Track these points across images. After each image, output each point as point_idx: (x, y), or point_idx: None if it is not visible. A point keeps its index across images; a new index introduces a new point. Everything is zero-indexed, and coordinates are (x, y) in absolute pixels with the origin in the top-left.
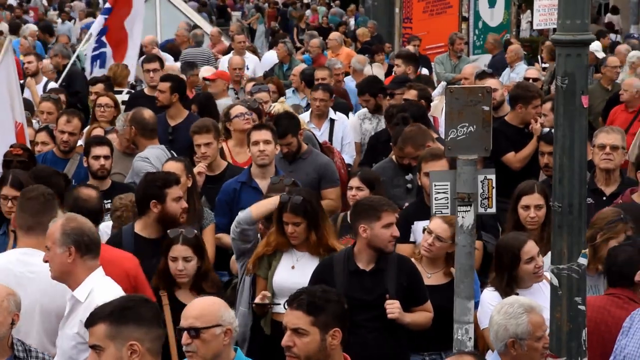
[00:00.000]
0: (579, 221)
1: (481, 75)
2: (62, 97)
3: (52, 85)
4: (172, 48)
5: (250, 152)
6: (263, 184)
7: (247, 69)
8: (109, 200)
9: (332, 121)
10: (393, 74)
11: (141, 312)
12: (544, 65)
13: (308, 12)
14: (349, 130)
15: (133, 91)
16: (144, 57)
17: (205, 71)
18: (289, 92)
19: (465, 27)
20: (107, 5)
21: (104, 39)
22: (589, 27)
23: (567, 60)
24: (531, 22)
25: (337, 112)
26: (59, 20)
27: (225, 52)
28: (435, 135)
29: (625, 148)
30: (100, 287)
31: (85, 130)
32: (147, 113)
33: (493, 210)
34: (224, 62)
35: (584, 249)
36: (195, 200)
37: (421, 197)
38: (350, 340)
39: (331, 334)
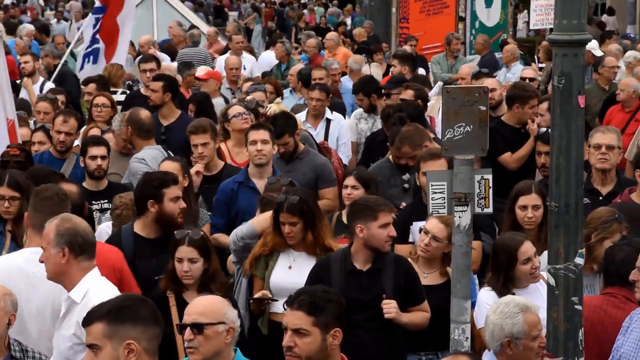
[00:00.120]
0: (576, 221)
1: (477, 75)
2: (62, 97)
3: (49, 85)
4: (168, 48)
5: (247, 151)
6: (260, 184)
7: (244, 69)
8: (106, 200)
9: (328, 121)
10: (390, 73)
11: (138, 311)
12: (540, 65)
13: (305, 12)
14: (345, 130)
15: (128, 91)
16: (140, 57)
17: (200, 71)
18: (286, 92)
19: (462, 27)
20: (98, 4)
21: (97, 35)
22: (585, 27)
23: (563, 60)
24: (528, 22)
25: (334, 112)
26: (54, 21)
27: (222, 52)
28: (432, 135)
29: (621, 148)
30: (96, 288)
31: (82, 130)
32: (144, 113)
33: (490, 210)
34: (220, 62)
35: (580, 249)
36: (191, 201)
37: (419, 197)
38: (347, 341)
39: (332, 334)
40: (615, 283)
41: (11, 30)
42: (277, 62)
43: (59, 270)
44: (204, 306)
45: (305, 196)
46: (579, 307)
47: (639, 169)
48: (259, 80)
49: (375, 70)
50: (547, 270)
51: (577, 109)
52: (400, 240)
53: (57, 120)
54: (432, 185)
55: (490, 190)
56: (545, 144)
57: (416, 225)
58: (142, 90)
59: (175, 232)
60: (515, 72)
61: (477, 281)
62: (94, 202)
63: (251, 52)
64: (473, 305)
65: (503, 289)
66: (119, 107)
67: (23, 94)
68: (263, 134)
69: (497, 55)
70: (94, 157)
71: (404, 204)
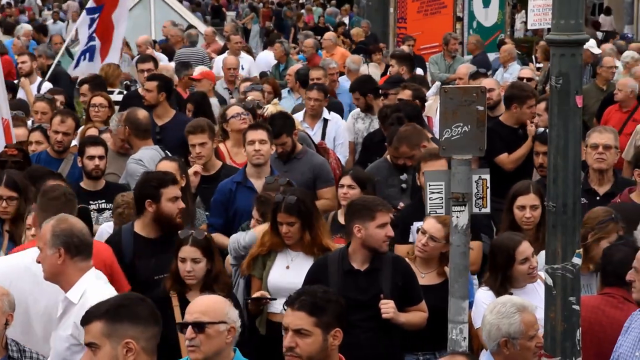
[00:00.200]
0: (573, 221)
1: (475, 75)
2: (61, 97)
3: (47, 85)
4: (166, 48)
5: (245, 151)
6: (258, 184)
7: (242, 68)
8: (103, 200)
9: (325, 121)
10: (388, 73)
11: (137, 310)
12: (538, 65)
13: (302, 12)
14: (342, 131)
15: (126, 91)
16: (138, 57)
17: (195, 71)
18: (284, 92)
19: (460, 27)
20: (93, 4)
21: (94, 34)
22: (583, 27)
23: (561, 60)
24: (525, 22)
25: (332, 112)
26: (50, 21)
27: (220, 52)
28: (429, 135)
29: (618, 148)
30: (94, 289)
31: (80, 130)
32: (141, 113)
33: (487, 210)
34: (218, 62)
35: (578, 249)
36: (188, 201)
37: (419, 197)
38: (345, 340)
39: (332, 334)
40: (613, 283)
41: (9, 30)
42: (274, 62)
43: (55, 271)
44: (206, 305)
45: (303, 196)
46: (576, 307)
47: (639, 168)
48: (256, 81)
49: (373, 70)
50: (544, 270)
51: (574, 109)
52: (400, 240)
53: (55, 120)
54: (429, 185)
55: (488, 190)
56: (543, 144)
57: (416, 226)
58: (140, 91)
59: (179, 232)
60: (512, 72)
61: (476, 282)
62: (91, 202)
63: (249, 52)
64: (471, 305)
65: (500, 289)
66: (117, 107)
67: (21, 94)
68: (261, 134)
69: (495, 55)
70: (91, 157)
71: (401, 204)
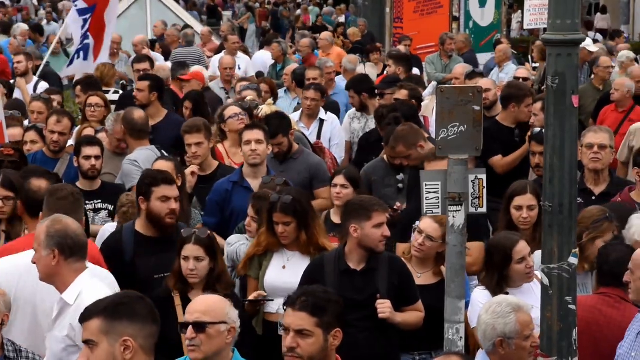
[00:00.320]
0: (570, 221)
1: (471, 75)
2: (58, 97)
3: (43, 85)
4: (162, 48)
5: (242, 151)
6: (255, 184)
7: (239, 68)
8: (99, 200)
9: (321, 121)
10: (385, 73)
11: (135, 308)
12: (534, 65)
13: (298, 11)
14: (338, 132)
15: (121, 91)
16: (133, 57)
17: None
18: (281, 92)
19: (456, 27)
20: (84, 5)
21: (88, 32)
22: (579, 26)
23: (557, 60)
24: (521, 22)
25: (328, 112)
26: (44, 22)
27: (216, 51)
28: (426, 135)
29: (613, 147)
30: (89, 289)
31: (76, 130)
32: (137, 113)
33: (484, 209)
34: (214, 61)
35: (574, 249)
36: (183, 201)
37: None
38: (341, 340)
39: (333, 335)
40: (609, 283)
41: (5, 30)
42: (271, 61)
43: (50, 272)
44: (207, 305)
45: (299, 196)
46: (572, 306)
47: (638, 166)
48: (253, 80)
49: (369, 70)
50: (541, 270)
51: (571, 108)
52: (401, 239)
53: (51, 120)
54: (426, 185)
55: (484, 190)
56: (540, 144)
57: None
58: None
59: (182, 230)
60: (508, 72)
61: (477, 282)
62: (87, 202)
63: (245, 52)
64: (467, 305)
65: (497, 288)
66: (113, 107)
67: (17, 94)
68: (257, 134)
69: (491, 55)
70: (87, 157)
71: (398, 204)
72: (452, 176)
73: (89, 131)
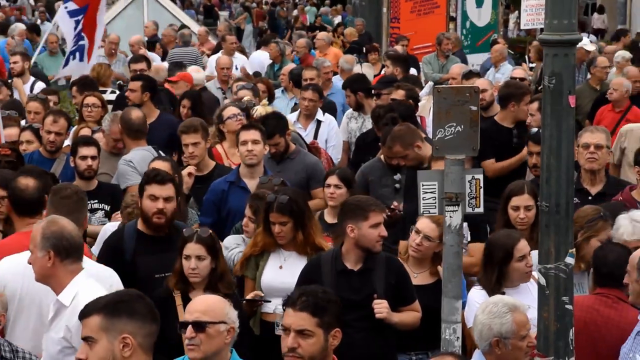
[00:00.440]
0: (566, 221)
1: (468, 75)
2: (54, 97)
3: (40, 85)
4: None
5: (239, 152)
6: (251, 184)
7: (236, 68)
8: (96, 200)
9: (318, 122)
10: (382, 73)
11: (135, 306)
12: (531, 65)
13: (295, 12)
14: (335, 133)
15: (118, 91)
16: (130, 57)
17: (194, 71)
18: (277, 92)
19: (453, 27)
20: (75, 6)
21: (82, 33)
22: (576, 26)
23: (554, 60)
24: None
25: (326, 114)
26: (39, 21)
27: (213, 51)
28: (423, 135)
29: (609, 147)
30: (85, 290)
31: (73, 130)
32: (135, 113)
33: (481, 209)
34: (211, 61)
35: (571, 249)
36: (180, 201)
37: None
38: None
39: (332, 335)
40: (606, 284)
41: (3, 30)
42: (268, 62)
43: (45, 273)
44: (207, 305)
45: (295, 196)
46: (569, 306)
47: (639, 165)
48: (251, 80)
49: (366, 70)
50: (537, 270)
51: (567, 108)
52: (402, 239)
53: (47, 120)
54: (422, 185)
55: (481, 190)
56: (537, 144)
57: None
58: None
59: (183, 230)
60: (504, 72)
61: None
62: None
63: (242, 52)
64: (463, 305)
65: (495, 286)
66: (109, 107)
67: (14, 94)
68: (254, 134)
69: (487, 55)
70: (84, 157)
71: (395, 203)
72: (449, 176)
73: (85, 131)
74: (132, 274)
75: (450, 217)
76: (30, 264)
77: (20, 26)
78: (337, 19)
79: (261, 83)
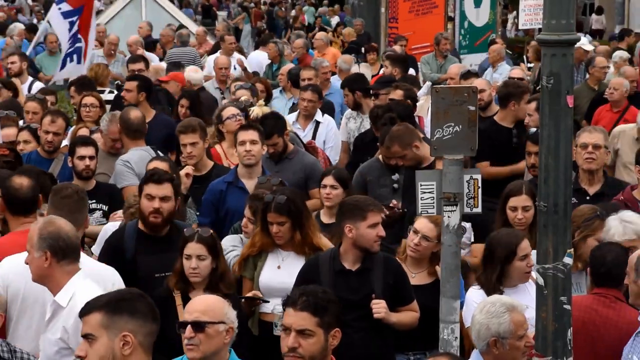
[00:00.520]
0: (564, 221)
1: (466, 75)
2: (52, 98)
3: (38, 85)
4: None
5: (237, 152)
6: (250, 184)
7: (235, 68)
8: (94, 200)
9: (317, 123)
10: (381, 73)
11: (136, 305)
12: (529, 65)
13: (293, 12)
14: (333, 134)
15: (116, 91)
16: (128, 57)
17: (192, 71)
18: (276, 92)
19: (451, 27)
20: (69, 7)
21: (79, 35)
22: (574, 27)
23: (552, 60)
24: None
25: (325, 115)
26: (35, 20)
27: (211, 51)
28: (421, 135)
29: (607, 147)
30: (82, 291)
31: (71, 130)
32: (134, 113)
33: (479, 210)
34: (210, 61)
35: (569, 249)
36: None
37: None
38: None
39: (332, 334)
40: (604, 284)
41: (1, 30)
42: (266, 62)
43: (42, 274)
44: (206, 305)
45: (293, 195)
46: (567, 306)
47: (639, 164)
48: (249, 75)
49: (364, 70)
50: (536, 270)
51: (565, 108)
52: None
53: (45, 120)
54: (421, 185)
55: (479, 190)
56: (535, 144)
57: None
58: None
59: (184, 229)
60: (502, 73)
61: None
62: None
63: (240, 51)
64: (461, 305)
65: (495, 285)
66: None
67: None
68: (252, 134)
69: (485, 55)
70: (82, 157)
71: (394, 202)
72: (447, 176)
73: (83, 131)
74: (132, 273)
75: (449, 217)
76: (27, 264)
77: (20, 26)
78: (335, 19)
79: (259, 83)
